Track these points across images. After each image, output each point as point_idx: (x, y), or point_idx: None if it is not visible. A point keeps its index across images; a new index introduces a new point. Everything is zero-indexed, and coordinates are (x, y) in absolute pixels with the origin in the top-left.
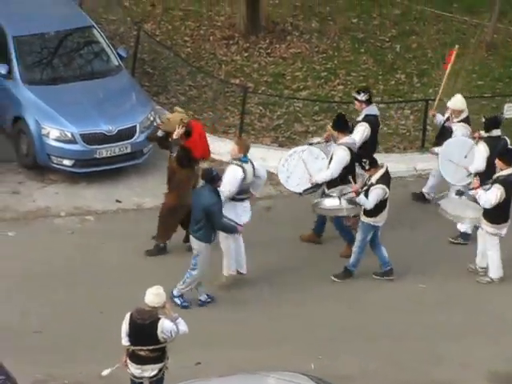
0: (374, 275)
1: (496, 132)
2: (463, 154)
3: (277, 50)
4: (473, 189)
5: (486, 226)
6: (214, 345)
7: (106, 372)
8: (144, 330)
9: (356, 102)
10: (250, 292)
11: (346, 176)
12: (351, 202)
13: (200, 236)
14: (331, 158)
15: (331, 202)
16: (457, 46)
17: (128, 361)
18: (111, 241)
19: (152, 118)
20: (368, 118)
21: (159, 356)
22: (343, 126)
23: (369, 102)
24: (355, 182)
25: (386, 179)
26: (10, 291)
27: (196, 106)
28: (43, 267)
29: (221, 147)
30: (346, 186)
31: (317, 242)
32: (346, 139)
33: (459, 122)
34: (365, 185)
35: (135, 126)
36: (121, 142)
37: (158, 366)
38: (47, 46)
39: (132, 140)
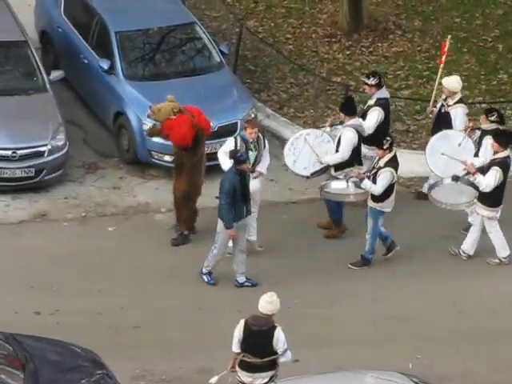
0: (384, 255)
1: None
2: (455, 144)
3: (379, 48)
4: (468, 174)
5: (484, 211)
6: (310, 343)
7: (213, 379)
8: (259, 337)
9: (366, 86)
10: (336, 287)
11: (353, 159)
12: (359, 185)
13: (220, 215)
14: (339, 142)
15: (338, 185)
16: (449, 37)
17: (237, 368)
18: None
19: (253, 115)
20: (380, 102)
21: (271, 363)
22: (351, 109)
23: (379, 85)
24: (361, 165)
25: (394, 163)
26: (110, 287)
27: (297, 103)
28: (144, 261)
29: None
30: (352, 168)
31: (339, 231)
32: (352, 121)
33: (455, 103)
34: (373, 168)
35: (236, 123)
36: (223, 139)
37: (269, 373)
38: (149, 41)
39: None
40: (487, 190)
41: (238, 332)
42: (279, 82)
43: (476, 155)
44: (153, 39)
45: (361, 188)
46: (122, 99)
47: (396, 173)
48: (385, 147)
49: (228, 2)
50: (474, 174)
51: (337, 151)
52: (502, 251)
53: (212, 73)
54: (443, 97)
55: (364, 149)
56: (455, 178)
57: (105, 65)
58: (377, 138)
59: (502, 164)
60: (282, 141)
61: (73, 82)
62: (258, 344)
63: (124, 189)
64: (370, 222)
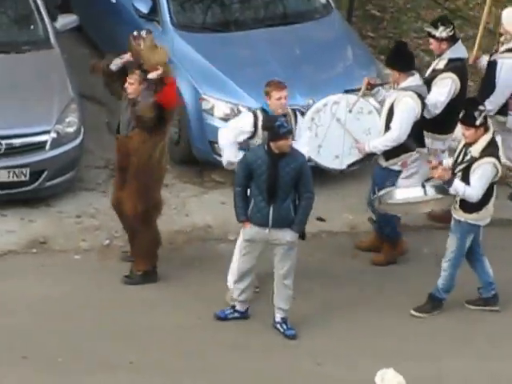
0: (468, 304)
1: None
2: None
3: None
4: None
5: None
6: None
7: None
8: None
9: (432, 40)
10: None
11: (412, 139)
12: (440, 189)
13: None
14: (390, 113)
15: (409, 193)
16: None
17: None
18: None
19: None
20: (454, 65)
21: None
22: (407, 60)
23: (453, 39)
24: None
25: (494, 151)
26: (149, 362)
27: None
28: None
29: None
30: (412, 154)
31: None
32: (410, 80)
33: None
34: (456, 162)
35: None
36: None
37: None
38: None
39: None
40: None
41: None
42: (419, 36)
43: None
44: None
45: (444, 193)
46: (168, 59)
47: (500, 164)
48: (478, 123)
49: None
50: None
51: (387, 129)
52: None
53: (313, 21)
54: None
55: (426, 138)
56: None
57: (143, 6)
58: (447, 121)
59: None
60: None
61: (92, 32)
62: None
63: (171, 203)
64: (453, 241)
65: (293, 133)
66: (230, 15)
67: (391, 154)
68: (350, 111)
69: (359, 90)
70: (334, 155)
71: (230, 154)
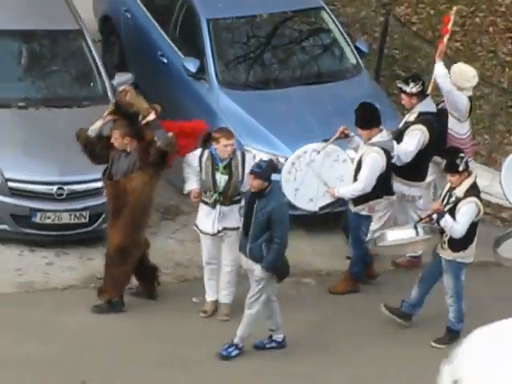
0: (384, 307)
1: None
2: None
3: None
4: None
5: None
6: None
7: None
8: None
9: (404, 95)
10: None
11: (379, 188)
12: (428, 229)
13: None
14: (359, 164)
15: (402, 235)
16: (454, 8)
17: None
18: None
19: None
20: (423, 118)
21: None
22: (371, 119)
23: (422, 94)
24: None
25: (477, 192)
26: None
27: None
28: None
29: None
30: (379, 201)
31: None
32: (378, 137)
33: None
34: (442, 204)
35: None
36: None
37: None
38: (256, 34)
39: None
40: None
41: None
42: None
43: None
44: (260, 31)
45: (431, 233)
46: (214, 114)
47: (481, 205)
48: (461, 168)
49: None
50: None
51: (355, 179)
52: None
53: (344, 80)
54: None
55: (400, 185)
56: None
57: (191, 66)
58: (420, 169)
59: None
60: None
61: (145, 88)
62: None
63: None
64: (449, 280)
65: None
66: (269, 74)
67: (359, 200)
68: (318, 152)
69: (336, 138)
70: (309, 198)
71: (188, 183)
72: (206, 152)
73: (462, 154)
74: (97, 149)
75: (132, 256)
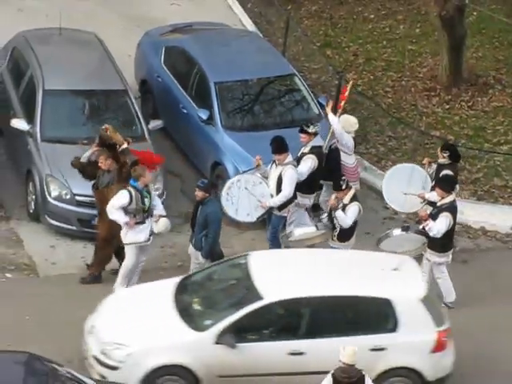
0: None
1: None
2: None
3: (478, 103)
4: (420, 220)
5: (434, 257)
6: None
7: None
8: None
9: (303, 135)
10: None
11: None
12: (323, 226)
13: None
14: (279, 179)
15: (306, 230)
16: (351, 82)
17: None
18: None
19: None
20: (315, 150)
21: None
22: (285, 146)
23: (315, 134)
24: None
25: (357, 199)
26: None
27: (395, 157)
28: None
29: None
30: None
31: None
32: (288, 158)
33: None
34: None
35: None
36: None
37: None
38: (248, 92)
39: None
40: (438, 236)
41: None
42: (377, 135)
43: (433, 189)
44: (251, 90)
45: (327, 228)
46: (220, 150)
47: (361, 207)
48: (343, 187)
49: (328, 54)
50: (425, 220)
51: (278, 191)
52: (449, 297)
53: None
54: None
55: (298, 197)
56: (405, 229)
57: (203, 115)
58: (311, 186)
59: (451, 209)
60: (379, 194)
61: (171, 131)
62: None
63: (221, 239)
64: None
65: (203, 188)
66: (258, 121)
67: (281, 206)
68: (239, 181)
69: (249, 169)
70: (246, 213)
71: (119, 216)
72: (132, 190)
73: (344, 177)
74: (87, 170)
75: (112, 243)
